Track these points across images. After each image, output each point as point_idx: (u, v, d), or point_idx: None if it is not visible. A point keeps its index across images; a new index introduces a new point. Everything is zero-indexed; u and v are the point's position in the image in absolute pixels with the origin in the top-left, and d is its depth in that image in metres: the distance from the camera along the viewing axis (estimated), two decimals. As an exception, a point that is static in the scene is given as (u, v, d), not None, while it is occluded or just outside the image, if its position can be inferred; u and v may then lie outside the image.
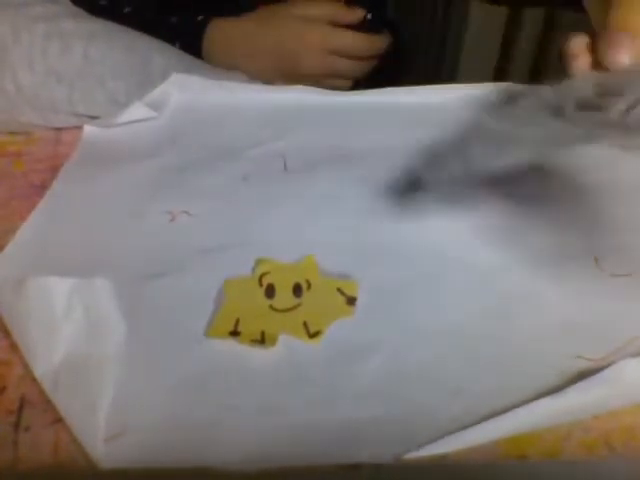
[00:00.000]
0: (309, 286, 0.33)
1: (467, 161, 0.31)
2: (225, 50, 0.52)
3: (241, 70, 0.50)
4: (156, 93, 0.46)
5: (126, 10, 0.52)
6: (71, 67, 0.44)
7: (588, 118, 0.29)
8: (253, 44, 0.51)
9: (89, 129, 0.45)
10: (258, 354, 0.30)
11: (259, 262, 0.35)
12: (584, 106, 0.29)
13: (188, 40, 0.53)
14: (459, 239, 0.36)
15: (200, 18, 0.53)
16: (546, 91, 0.30)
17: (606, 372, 0.27)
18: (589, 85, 0.30)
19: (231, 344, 0.31)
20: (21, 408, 0.29)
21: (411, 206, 0.36)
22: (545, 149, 0.30)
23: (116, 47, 0.46)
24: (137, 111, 0.45)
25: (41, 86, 0.44)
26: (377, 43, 0.55)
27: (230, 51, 0.52)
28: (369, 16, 0.55)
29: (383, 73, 0.66)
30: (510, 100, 0.32)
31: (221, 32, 0.53)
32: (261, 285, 0.33)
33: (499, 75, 0.81)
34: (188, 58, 0.50)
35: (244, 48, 0.52)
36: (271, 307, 0.33)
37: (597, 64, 0.31)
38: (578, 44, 0.32)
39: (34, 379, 0.29)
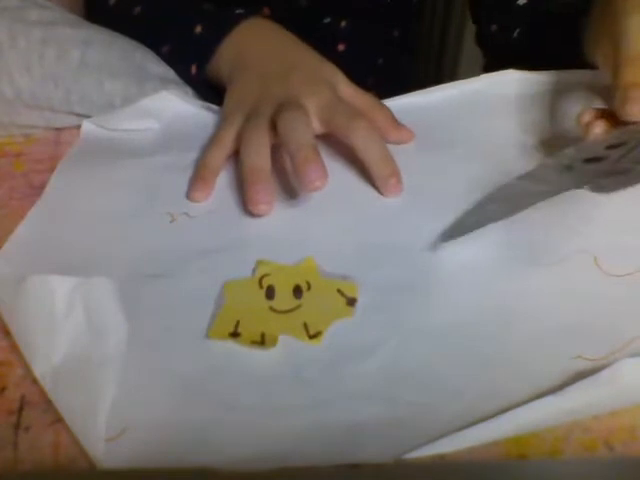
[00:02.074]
0: (309, 287, 0.33)
1: (482, 217, 0.34)
2: (250, 47, 0.47)
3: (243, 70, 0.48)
4: (155, 99, 0.46)
5: (136, 10, 0.52)
6: (68, 71, 0.44)
7: (592, 169, 0.32)
8: (282, 57, 0.46)
9: (88, 126, 0.45)
10: (258, 355, 0.30)
11: (259, 264, 0.35)
12: (591, 160, 0.32)
13: (215, 25, 0.48)
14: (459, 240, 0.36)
15: (239, 11, 0.49)
16: (564, 153, 0.32)
17: (606, 372, 0.27)
18: (601, 145, 0.32)
19: (231, 345, 0.31)
20: (21, 408, 0.29)
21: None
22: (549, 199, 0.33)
23: (112, 52, 0.46)
24: (138, 121, 0.45)
25: (39, 88, 0.44)
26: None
27: (253, 52, 0.47)
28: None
29: (392, 87, 0.66)
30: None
31: (259, 29, 0.48)
32: (261, 287, 0.33)
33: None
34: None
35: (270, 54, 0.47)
36: (271, 308, 0.33)
37: (612, 125, 0.34)
38: (590, 113, 0.35)
39: (34, 379, 0.29)
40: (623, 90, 0.32)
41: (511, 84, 0.47)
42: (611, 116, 0.34)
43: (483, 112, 0.45)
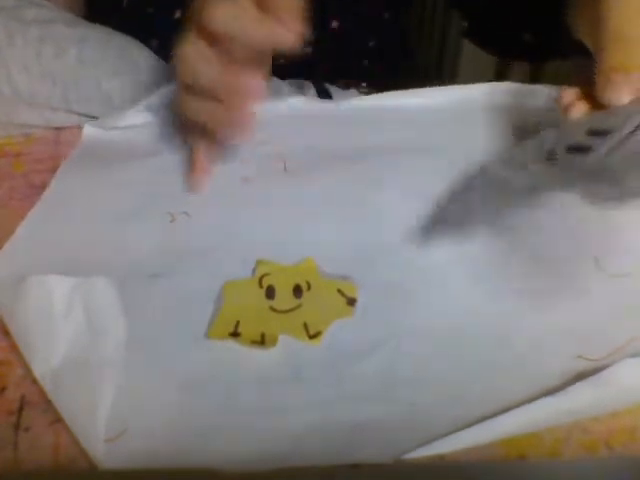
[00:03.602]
0: (309, 287, 0.33)
1: (467, 207, 0.33)
2: None
3: None
4: (156, 96, 0.46)
5: (125, 3, 0.51)
6: (66, 69, 0.44)
7: (578, 163, 0.30)
8: None
9: (89, 129, 0.45)
10: (258, 355, 0.30)
11: (259, 263, 0.35)
12: (574, 149, 0.30)
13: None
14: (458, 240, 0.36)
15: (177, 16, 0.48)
16: (544, 135, 0.31)
17: (606, 372, 0.27)
18: (582, 128, 0.31)
19: (231, 345, 0.31)
20: (21, 408, 0.29)
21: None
22: (534, 197, 0.31)
23: (109, 50, 0.46)
24: (137, 116, 0.45)
25: (37, 87, 0.44)
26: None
27: None
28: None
29: (387, 75, 0.66)
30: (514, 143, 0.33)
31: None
32: (261, 286, 0.33)
33: (499, 75, 0.81)
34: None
35: None
36: (271, 308, 0.33)
37: (594, 108, 0.32)
38: (571, 94, 0.34)
39: (34, 379, 0.29)
40: (605, 73, 0.31)
41: (508, 95, 0.47)
42: (593, 98, 0.32)
43: (480, 119, 0.45)
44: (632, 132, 0.29)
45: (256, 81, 0.36)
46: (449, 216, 0.34)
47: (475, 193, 0.33)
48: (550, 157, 0.31)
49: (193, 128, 0.40)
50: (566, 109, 0.34)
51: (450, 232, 0.34)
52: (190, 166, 0.41)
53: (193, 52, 0.37)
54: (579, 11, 0.38)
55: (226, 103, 0.37)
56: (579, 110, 0.33)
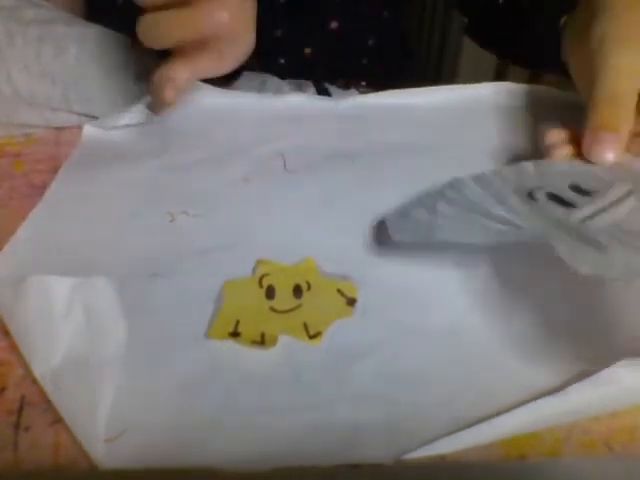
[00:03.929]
0: (309, 287, 0.33)
1: (433, 223, 0.32)
2: None
3: None
4: None
5: (120, 2, 0.51)
6: (66, 69, 0.44)
7: (557, 212, 0.30)
8: None
9: (89, 129, 0.45)
10: (258, 355, 0.30)
11: (259, 263, 0.35)
12: (556, 198, 0.31)
13: None
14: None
15: None
16: (524, 169, 0.32)
17: (606, 372, 0.27)
18: (565, 179, 0.31)
19: (231, 345, 0.31)
20: (21, 408, 0.29)
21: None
22: (505, 235, 0.30)
23: (109, 49, 0.46)
24: (138, 115, 0.45)
25: (37, 87, 0.44)
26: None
27: None
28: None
29: (386, 74, 0.66)
30: (494, 172, 0.33)
31: None
32: (261, 286, 0.33)
33: (499, 75, 0.81)
34: None
35: None
36: (271, 308, 0.33)
37: (579, 155, 0.33)
38: (557, 136, 0.34)
39: (34, 379, 0.29)
40: (593, 130, 0.32)
41: (508, 95, 0.47)
42: (579, 143, 0.33)
43: (476, 119, 0.46)
44: (616, 201, 0.29)
45: None
46: (415, 221, 0.33)
47: (450, 207, 0.32)
48: (530, 197, 0.31)
49: (164, 52, 0.40)
50: (550, 149, 0.34)
51: (411, 237, 0.33)
52: (161, 85, 0.40)
53: None
54: (572, 50, 0.39)
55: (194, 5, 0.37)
56: (563, 153, 0.34)
